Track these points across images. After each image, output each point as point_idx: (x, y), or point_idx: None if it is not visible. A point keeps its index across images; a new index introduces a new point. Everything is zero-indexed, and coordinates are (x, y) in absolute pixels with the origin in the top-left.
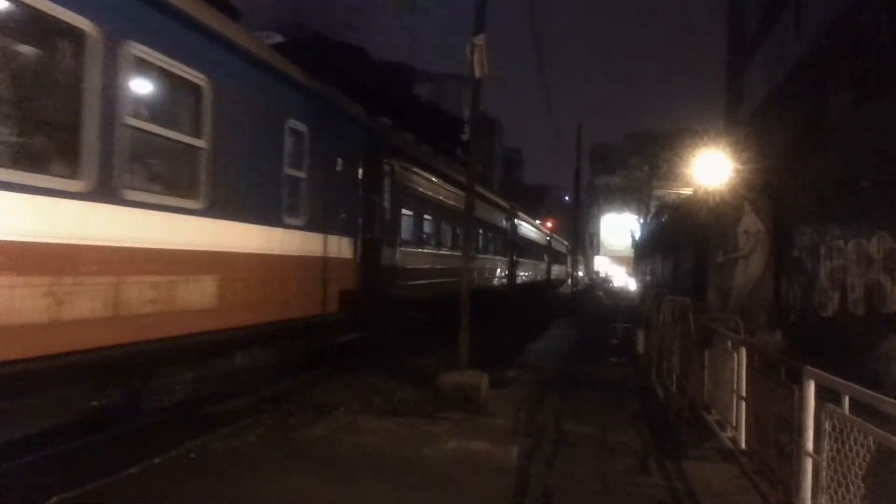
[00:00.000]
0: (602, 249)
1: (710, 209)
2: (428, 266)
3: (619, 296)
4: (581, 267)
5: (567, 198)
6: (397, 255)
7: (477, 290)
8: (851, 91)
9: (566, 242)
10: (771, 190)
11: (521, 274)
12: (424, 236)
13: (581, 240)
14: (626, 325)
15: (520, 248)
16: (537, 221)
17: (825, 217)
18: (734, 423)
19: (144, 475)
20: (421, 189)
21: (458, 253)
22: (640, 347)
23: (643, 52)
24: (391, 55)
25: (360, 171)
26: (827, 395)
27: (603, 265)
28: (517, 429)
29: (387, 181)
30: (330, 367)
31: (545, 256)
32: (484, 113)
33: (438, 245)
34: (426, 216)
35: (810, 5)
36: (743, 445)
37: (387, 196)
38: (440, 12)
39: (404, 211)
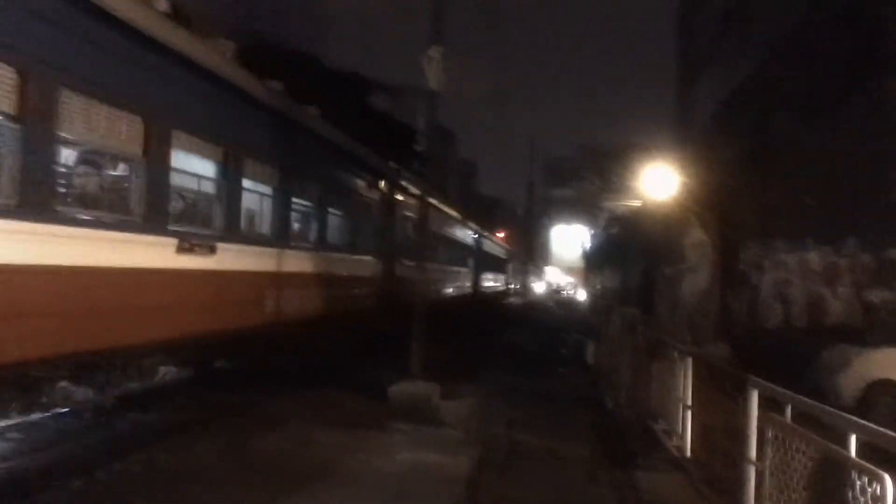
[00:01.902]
0: (553, 260)
1: (658, 222)
2: None
3: (569, 306)
4: (533, 278)
5: (520, 211)
6: None
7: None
8: (796, 109)
9: (506, 246)
10: (718, 204)
11: (410, 285)
12: None
13: (534, 251)
14: (577, 336)
15: (405, 245)
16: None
17: (770, 232)
18: (681, 433)
19: (87, 490)
20: None
21: None
22: (591, 359)
23: (596, 67)
24: (346, 66)
25: None
26: (773, 406)
27: (554, 276)
28: (469, 439)
29: None
30: (281, 380)
31: (469, 261)
32: (439, 124)
33: None
34: None
35: (757, 25)
36: (688, 454)
37: None
38: (398, 21)
39: None
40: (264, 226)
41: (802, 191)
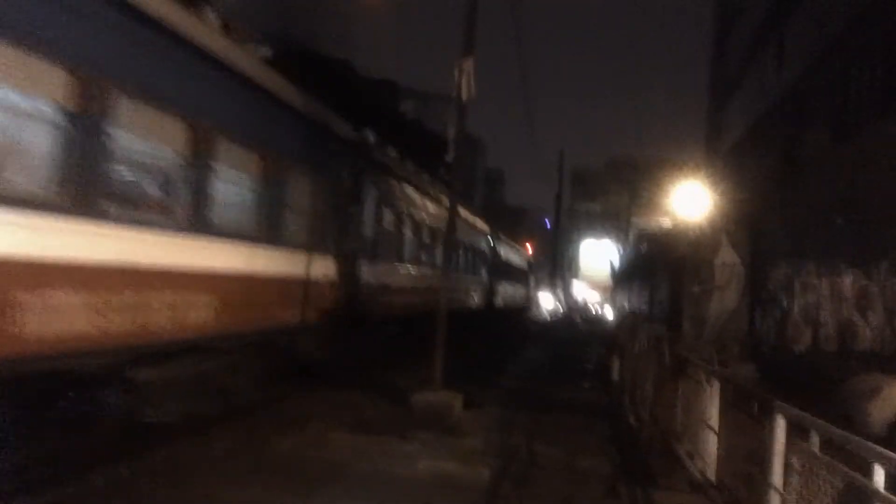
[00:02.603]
0: (580, 275)
1: (689, 241)
2: None
3: (595, 322)
4: (559, 292)
5: (547, 221)
6: None
7: None
8: (827, 129)
9: (529, 256)
10: (748, 222)
11: (384, 293)
12: None
13: (561, 263)
14: (602, 352)
15: (380, 241)
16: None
17: (800, 252)
18: (704, 455)
19: (110, 483)
20: None
21: None
22: (615, 374)
23: (626, 80)
24: (377, 71)
25: None
26: (800, 432)
27: (580, 290)
28: (488, 450)
29: None
30: (302, 382)
31: (481, 269)
32: (468, 132)
33: None
34: None
35: (791, 47)
36: (712, 478)
37: None
38: (426, 28)
39: None
40: (45, 178)
41: (833, 211)
